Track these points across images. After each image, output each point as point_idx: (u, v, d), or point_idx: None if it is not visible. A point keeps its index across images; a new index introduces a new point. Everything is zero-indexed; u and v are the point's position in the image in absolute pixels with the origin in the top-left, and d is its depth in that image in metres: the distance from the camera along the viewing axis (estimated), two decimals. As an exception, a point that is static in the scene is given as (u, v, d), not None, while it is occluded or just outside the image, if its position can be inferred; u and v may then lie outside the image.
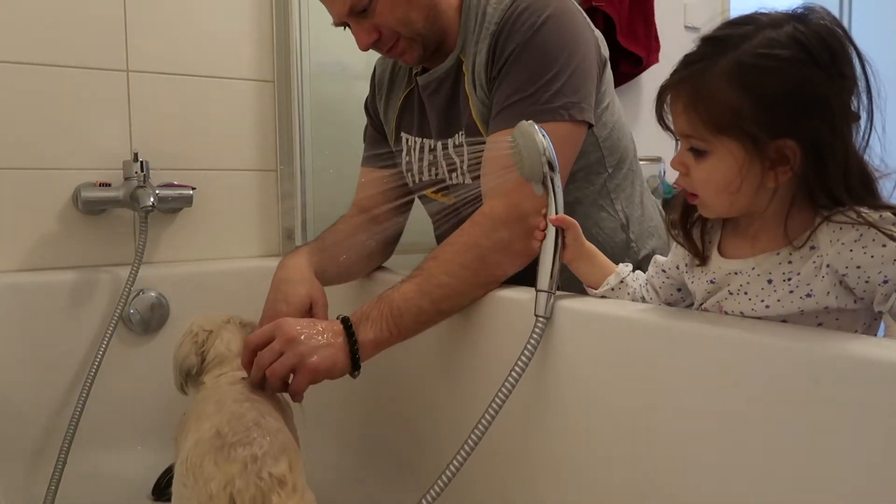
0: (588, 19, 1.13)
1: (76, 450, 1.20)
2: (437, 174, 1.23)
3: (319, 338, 0.96)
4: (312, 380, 0.95)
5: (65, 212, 1.43)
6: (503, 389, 0.83)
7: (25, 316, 1.34)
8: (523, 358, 0.84)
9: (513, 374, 0.83)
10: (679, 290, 0.94)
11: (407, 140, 1.28)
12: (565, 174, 1.06)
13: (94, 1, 1.43)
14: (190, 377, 1.04)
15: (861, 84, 0.75)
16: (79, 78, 1.42)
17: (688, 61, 0.79)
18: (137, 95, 1.48)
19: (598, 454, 0.87)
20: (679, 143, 0.82)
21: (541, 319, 0.87)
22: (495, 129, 1.06)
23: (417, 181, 1.27)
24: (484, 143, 1.10)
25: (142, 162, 1.42)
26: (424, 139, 1.24)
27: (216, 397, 0.89)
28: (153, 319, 1.43)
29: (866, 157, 0.76)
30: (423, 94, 1.22)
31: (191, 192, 1.49)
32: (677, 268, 0.92)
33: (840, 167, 0.74)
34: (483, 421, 0.82)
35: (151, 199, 1.37)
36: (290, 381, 0.95)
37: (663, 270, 0.95)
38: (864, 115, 0.76)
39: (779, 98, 0.74)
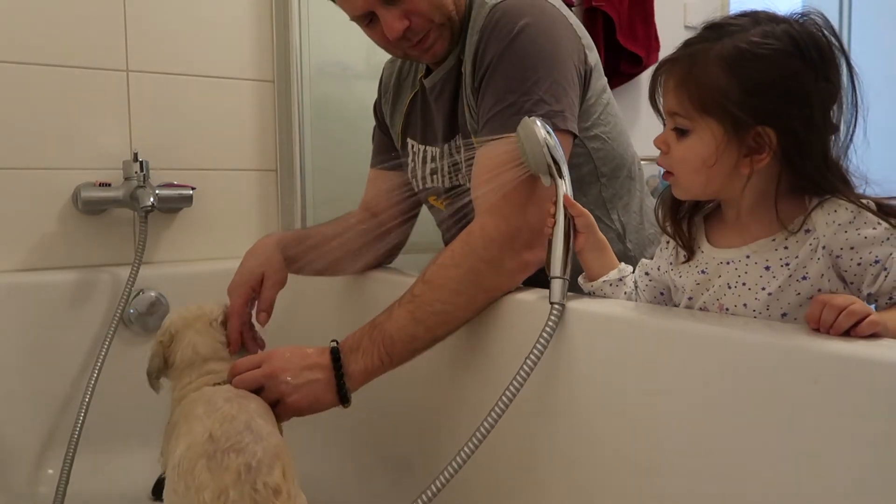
0: (574, 24, 1.10)
1: (77, 450, 1.20)
2: (438, 182, 1.22)
3: (305, 374, 0.95)
4: (290, 416, 0.95)
5: (65, 212, 1.43)
6: (518, 377, 0.82)
7: (25, 316, 1.34)
8: (539, 345, 0.83)
9: (528, 362, 0.83)
10: (662, 293, 0.96)
11: (412, 146, 1.27)
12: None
13: (94, 1, 1.43)
14: (160, 377, 1.05)
15: (847, 95, 0.79)
16: (79, 78, 1.42)
17: (687, 44, 0.84)
18: (137, 95, 1.48)
19: (599, 455, 0.87)
20: (665, 123, 0.86)
21: (556, 307, 0.86)
22: (482, 141, 1.04)
23: (421, 187, 1.26)
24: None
25: (142, 162, 1.42)
26: (427, 146, 1.23)
27: (206, 398, 0.88)
28: (153, 319, 1.43)
29: (846, 164, 0.80)
30: (430, 96, 1.20)
31: (191, 192, 1.49)
32: (658, 269, 0.94)
33: (819, 159, 0.79)
34: (493, 414, 0.81)
35: (151, 199, 1.37)
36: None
37: (646, 273, 0.96)
38: (848, 125, 0.80)
39: (765, 85, 0.78)
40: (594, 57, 1.13)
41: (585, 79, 1.10)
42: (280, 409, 0.95)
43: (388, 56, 1.35)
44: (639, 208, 1.22)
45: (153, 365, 1.05)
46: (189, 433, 0.81)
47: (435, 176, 1.22)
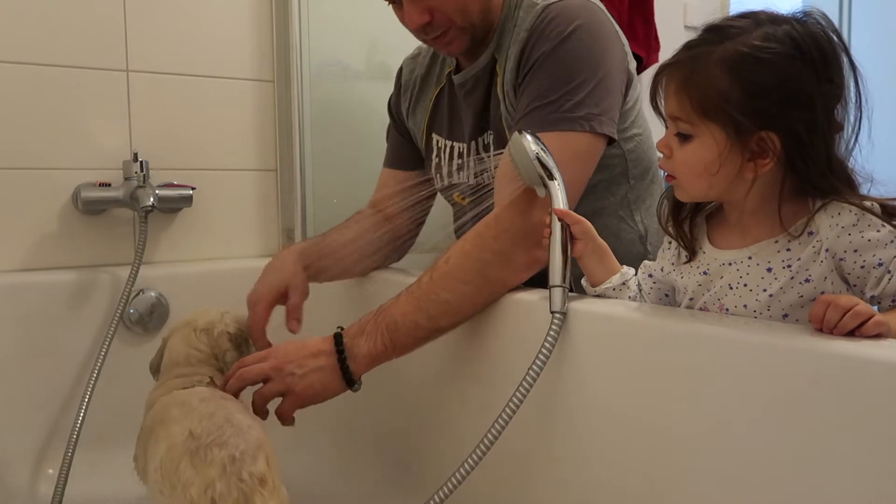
0: (619, 31, 1.12)
1: (76, 450, 1.20)
2: (464, 178, 1.22)
3: (309, 362, 0.96)
4: (300, 406, 0.96)
5: (65, 212, 1.42)
6: (521, 388, 0.82)
7: (25, 316, 1.34)
8: (541, 356, 0.83)
9: (531, 372, 0.82)
10: (667, 294, 0.96)
11: (437, 142, 1.27)
12: (582, 185, 1.05)
13: (94, 1, 1.43)
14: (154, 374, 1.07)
15: (851, 95, 0.78)
16: (79, 78, 1.42)
17: (687, 46, 0.83)
18: (137, 95, 1.47)
19: (600, 456, 0.87)
20: (668, 127, 0.85)
21: (557, 315, 0.86)
22: (514, 132, 1.05)
23: (445, 184, 1.26)
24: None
25: (142, 162, 1.42)
26: (454, 142, 1.23)
27: (179, 400, 0.88)
28: (153, 319, 1.43)
29: (850, 164, 0.80)
30: (459, 92, 1.20)
31: (191, 192, 1.49)
32: (662, 269, 0.94)
33: (823, 162, 0.78)
34: (500, 421, 0.81)
35: (151, 199, 1.37)
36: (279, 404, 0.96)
37: (650, 275, 0.96)
38: (852, 125, 0.79)
39: (767, 89, 0.77)
40: (633, 64, 1.15)
41: (627, 85, 1.11)
42: (289, 400, 0.96)
43: (391, 57, 1.38)
44: None
45: (154, 360, 1.08)
46: (168, 436, 0.80)
47: (461, 172, 1.22)
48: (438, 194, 1.33)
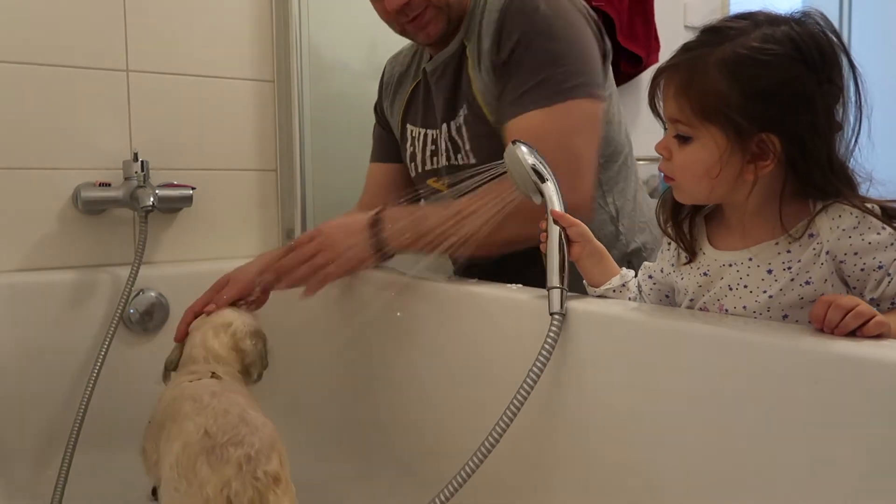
0: (586, 8, 1.18)
1: (76, 450, 1.20)
2: (438, 163, 1.26)
3: (349, 240, 1.11)
4: (338, 276, 1.13)
5: (65, 212, 1.42)
6: (522, 389, 0.82)
7: (25, 316, 1.34)
8: (541, 357, 0.83)
9: (531, 373, 0.82)
10: (667, 296, 0.96)
11: (411, 131, 1.31)
12: (596, 148, 1.12)
13: (94, 1, 1.43)
14: (168, 371, 1.08)
15: (851, 95, 0.78)
16: (79, 78, 1.42)
17: (686, 48, 0.82)
18: (137, 95, 1.47)
19: (600, 455, 0.87)
20: (667, 129, 0.85)
21: (556, 317, 0.86)
22: (513, 116, 1.10)
23: (420, 171, 1.30)
24: (486, 121, 1.16)
25: (142, 162, 1.41)
26: (428, 129, 1.27)
27: (189, 394, 0.88)
28: (153, 319, 1.43)
29: (850, 164, 0.80)
30: (430, 79, 1.25)
31: (191, 192, 1.49)
32: (662, 270, 0.94)
33: (823, 164, 0.77)
34: (501, 422, 0.81)
35: (151, 199, 1.37)
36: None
37: (650, 276, 0.96)
38: (852, 126, 0.79)
39: (767, 91, 0.77)
40: (607, 40, 1.21)
41: (603, 56, 1.18)
42: (329, 271, 1.10)
43: (389, 55, 1.41)
44: (633, 196, 1.26)
45: (171, 357, 1.09)
46: (181, 432, 0.81)
47: (435, 158, 1.26)
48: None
